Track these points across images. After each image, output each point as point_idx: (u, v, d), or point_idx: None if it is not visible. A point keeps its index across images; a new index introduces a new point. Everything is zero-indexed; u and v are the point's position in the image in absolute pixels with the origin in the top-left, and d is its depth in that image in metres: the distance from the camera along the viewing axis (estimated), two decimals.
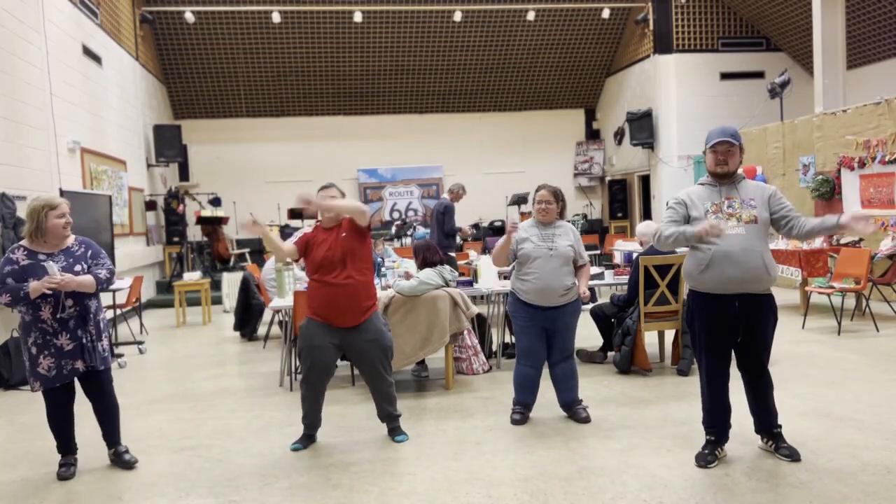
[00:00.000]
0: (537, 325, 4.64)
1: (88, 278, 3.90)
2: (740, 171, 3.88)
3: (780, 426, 3.91)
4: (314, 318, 4.29)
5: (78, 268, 3.92)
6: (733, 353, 3.89)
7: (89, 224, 7.97)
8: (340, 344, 4.32)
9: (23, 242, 3.97)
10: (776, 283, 3.83)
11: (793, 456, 3.80)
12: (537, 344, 4.67)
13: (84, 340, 3.92)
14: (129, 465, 4.11)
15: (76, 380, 4.04)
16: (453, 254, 9.00)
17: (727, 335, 3.80)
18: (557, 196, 4.71)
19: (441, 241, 8.82)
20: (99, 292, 4.06)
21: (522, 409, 4.74)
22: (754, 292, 3.74)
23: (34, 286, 3.75)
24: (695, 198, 3.84)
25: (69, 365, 3.90)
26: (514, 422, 4.67)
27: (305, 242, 4.38)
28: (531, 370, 4.70)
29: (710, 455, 3.83)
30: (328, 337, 4.26)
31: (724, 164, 3.77)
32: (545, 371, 4.78)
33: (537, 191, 4.74)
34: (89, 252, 4.04)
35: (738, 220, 3.71)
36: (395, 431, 4.46)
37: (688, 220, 3.81)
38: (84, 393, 4.10)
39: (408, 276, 5.99)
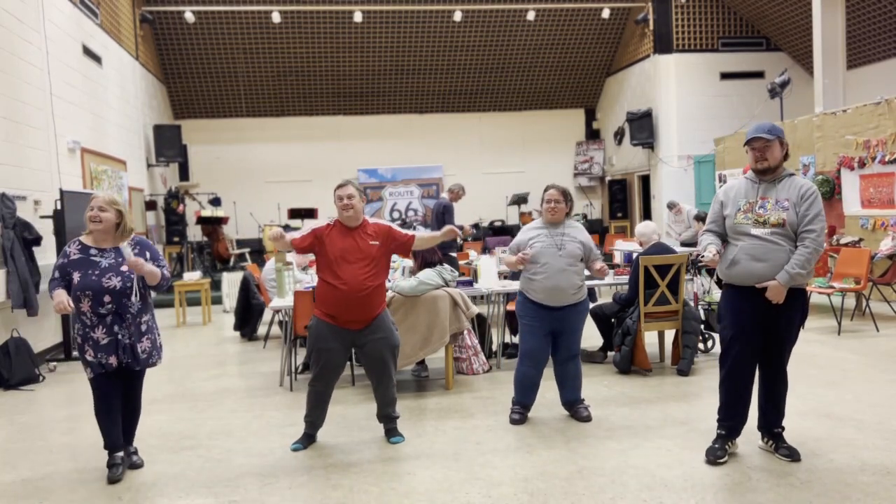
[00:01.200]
0: (544, 326, 4.64)
1: (155, 269, 3.95)
2: (789, 168, 3.85)
3: (782, 427, 3.91)
4: (324, 319, 4.25)
5: (125, 268, 3.92)
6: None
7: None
8: (350, 344, 4.31)
9: (80, 237, 4.01)
10: (808, 280, 3.82)
11: (792, 456, 3.80)
12: (542, 345, 4.67)
13: (120, 337, 3.91)
14: (136, 466, 4.12)
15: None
16: (454, 254, 9.00)
17: (754, 328, 3.80)
18: (566, 196, 4.71)
19: (444, 242, 8.82)
20: (156, 289, 4.08)
21: (522, 409, 4.74)
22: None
23: (56, 301, 3.77)
24: (732, 194, 3.87)
25: (104, 358, 3.91)
26: (514, 421, 4.67)
27: (316, 237, 4.25)
28: (532, 371, 4.69)
29: (720, 450, 3.84)
30: (339, 338, 4.24)
31: (763, 160, 3.77)
32: (548, 370, 4.79)
33: (546, 190, 4.73)
34: (147, 253, 4.05)
35: (765, 223, 3.72)
36: (391, 432, 4.45)
37: (724, 219, 3.87)
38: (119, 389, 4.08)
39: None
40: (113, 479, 3.92)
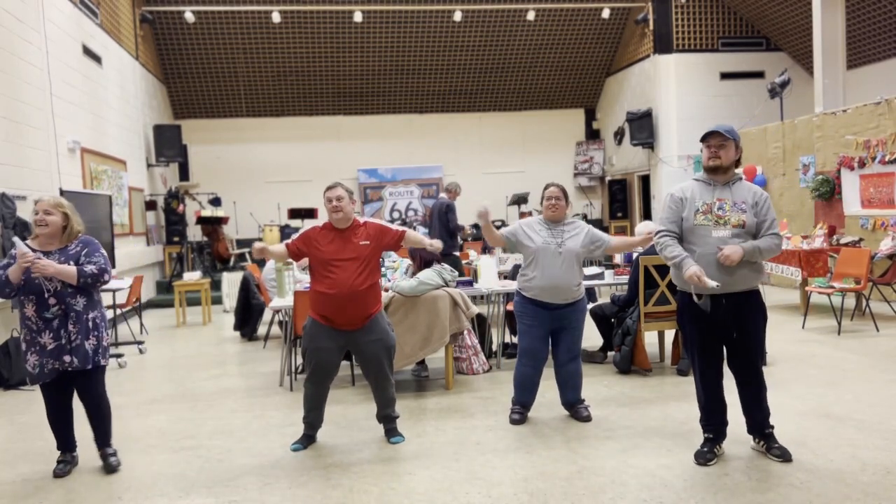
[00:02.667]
0: (543, 325, 4.64)
1: (69, 268, 3.87)
2: (738, 171, 3.87)
3: (772, 427, 3.91)
4: (318, 321, 4.25)
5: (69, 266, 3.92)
6: (725, 353, 3.89)
7: (89, 224, 7.89)
8: (345, 345, 4.31)
9: (28, 240, 4.02)
10: (770, 282, 3.84)
11: (784, 456, 3.80)
12: (539, 344, 4.67)
13: (64, 340, 3.90)
14: (111, 469, 4.06)
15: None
16: (457, 253, 9.01)
17: (716, 334, 3.81)
18: (566, 193, 4.74)
19: (447, 242, 8.84)
20: (86, 288, 3.96)
21: (521, 408, 4.74)
22: (740, 290, 3.74)
23: (12, 268, 3.79)
24: (688, 194, 3.83)
25: (49, 364, 3.91)
26: (514, 421, 4.67)
27: (306, 240, 4.26)
28: (531, 370, 4.70)
29: (708, 453, 3.85)
30: (333, 338, 4.25)
31: (716, 157, 3.76)
32: (548, 370, 4.79)
33: (546, 188, 4.75)
34: (85, 250, 4.03)
35: (725, 223, 3.71)
36: (391, 432, 4.45)
37: (681, 220, 3.82)
38: (76, 392, 4.08)
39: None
40: (57, 474, 4.00)
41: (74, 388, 4.08)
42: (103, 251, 4.12)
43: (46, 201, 3.98)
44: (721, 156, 3.75)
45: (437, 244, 4.36)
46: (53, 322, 3.89)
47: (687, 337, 3.94)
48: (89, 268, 3.94)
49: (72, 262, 3.95)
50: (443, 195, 9.28)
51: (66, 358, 3.91)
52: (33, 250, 3.92)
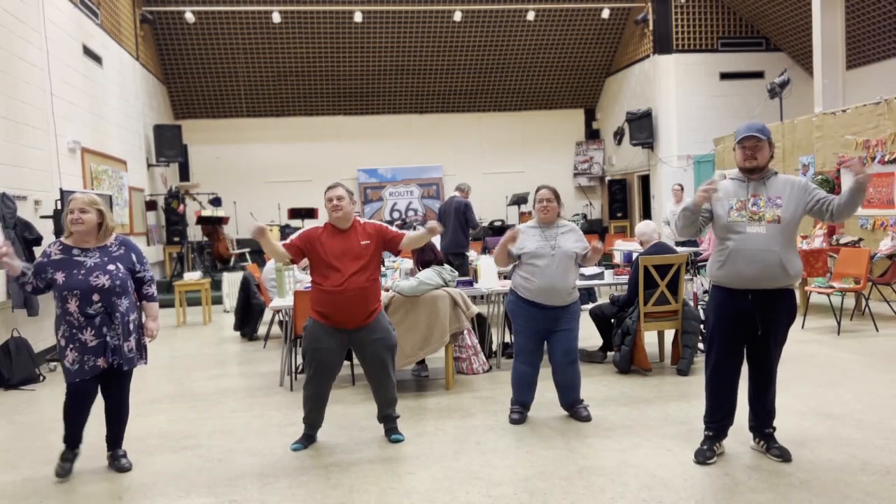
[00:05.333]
0: (537, 324, 4.65)
1: (155, 307, 4.20)
2: (772, 166, 3.86)
3: (773, 428, 3.91)
4: (319, 321, 4.26)
5: (112, 267, 3.93)
6: (745, 351, 3.88)
7: None
8: (346, 344, 4.32)
9: (62, 238, 4.01)
10: (797, 281, 3.83)
11: (783, 456, 3.80)
12: (535, 343, 4.69)
13: (108, 338, 3.90)
14: (123, 470, 4.07)
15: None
16: (468, 253, 9.04)
17: (739, 330, 3.79)
18: (557, 195, 4.76)
19: (461, 241, 8.87)
20: (129, 293, 4.04)
21: (521, 408, 4.74)
22: (769, 288, 3.72)
23: (4, 260, 3.80)
24: (720, 194, 3.83)
25: (91, 361, 3.89)
26: (513, 421, 4.67)
27: (307, 240, 4.27)
28: (528, 368, 4.71)
29: (708, 451, 3.85)
30: (333, 338, 4.25)
31: (752, 158, 3.76)
32: (548, 371, 4.79)
33: (538, 191, 4.78)
34: (132, 254, 4.06)
35: (760, 219, 3.71)
36: (391, 431, 4.45)
37: (711, 216, 3.83)
38: (101, 391, 4.06)
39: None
40: (60, 473, 3.97)
41: (101, 387, 4.04)
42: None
43: (81, 199, 3.96)
44: (757, 157, 3.76)
45: (434, 225, 4.26)
46: (96, 319, 3.87)
47: (710, 331, 3.92)
48: (152, 289, 4.18)
49: (118, 264, 3.96)
50: (456, 194, 9.28)
51: (109, 356, 3.91)
52: (70, 248, 3.93)
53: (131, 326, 4.01)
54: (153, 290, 4.19)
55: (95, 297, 3.86)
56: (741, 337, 3.82)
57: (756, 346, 3.83)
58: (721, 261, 3.78)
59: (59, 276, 3.85)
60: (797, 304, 3.89)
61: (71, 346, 3.88)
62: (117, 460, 4.12)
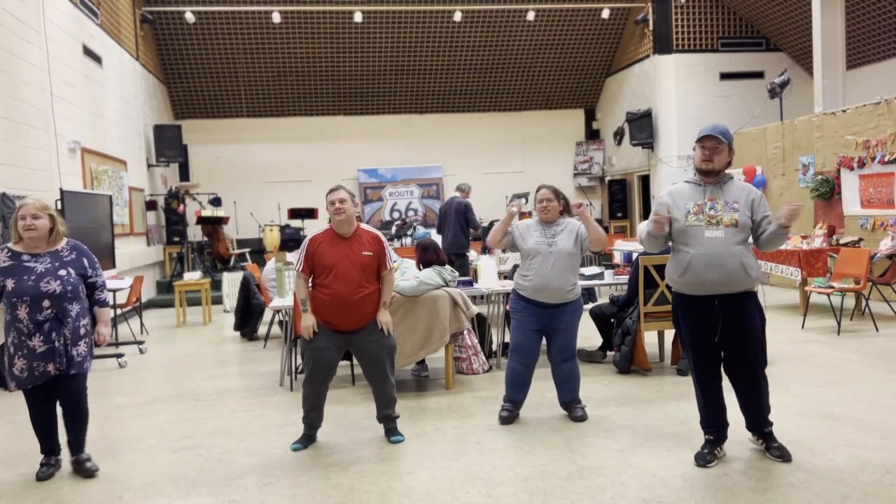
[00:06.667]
0: (535, 323, 4.66)
1: (108, 314, 4.14)
2: (729, 171, 3.86)
3: (770, 426, 3.91)
4: (318, 321, 4.28)
5: (63, 272, 3.91)
6: (722, 353, 3.87)
7: (90, 224, 7.97)
8: (344, 345, 4.34)
9: (8, 244, 3.99)
10: (769, 282, 3.84)
11: (783, 456, 3.80)
12: (530, 342, 4.69)
13: (57, 344, 3.88)
14: (89, 474, 4.03)
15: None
16: (469, 253, 9.04)
17: (711, 335, 3.79)
18: (557, 194, 4.76)
19: (461, 242, 8.87)
20: (81, 298, 4.01)
21: (512, 406, 4.74)
22: (733, 292, 3.72)
23: None
24: (677, 197, 3.83)
25: (40, 367, 3.88)
26: (502, 419, 4.68)
27: (310, 254, 4.29)
28: (521, 367, 4.71)
29: (709, 455, 3.84)
30: (332, 338, 4.27)
31: (709, 160, 3.75)
32: (547, 370, 4.79)
33: (538, 190, 4.79)
34: (84, 259, 4.05)
35: (718, 223, 3.70)
36: (391, 432, 4.46)
37: (669, 221, 3.81)
38: (59, 397, 4.05)
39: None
40: (40, 477, 3.99)
41: (57, 393, 4.03)
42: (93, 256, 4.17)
43: (32, 205, 3.92)
44: (714, 160, 3.75)
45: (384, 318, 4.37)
46: (45, 325, 3.86)
47: (683, 339, 3.94)
48: (104, 295, 4.13)
49: (69, 269, 3.95)
50: (456, 194, 9.28)
51: (58, 361, 3.89)
52: (19, 254, 3.91)
53: (82, 331, 3.99)
54: (105, 295, 4.16)
55: (46, 304, 3.85)
56: (713, 341, 3.80)
57: (729, 349, 3.81)
58: (682, 268, 3.75)
59: (9, 283, 3.83)
60: (762, 305, 3.88)
61: (20, 353, 3.87)
62: (81, 465, 4.07)
